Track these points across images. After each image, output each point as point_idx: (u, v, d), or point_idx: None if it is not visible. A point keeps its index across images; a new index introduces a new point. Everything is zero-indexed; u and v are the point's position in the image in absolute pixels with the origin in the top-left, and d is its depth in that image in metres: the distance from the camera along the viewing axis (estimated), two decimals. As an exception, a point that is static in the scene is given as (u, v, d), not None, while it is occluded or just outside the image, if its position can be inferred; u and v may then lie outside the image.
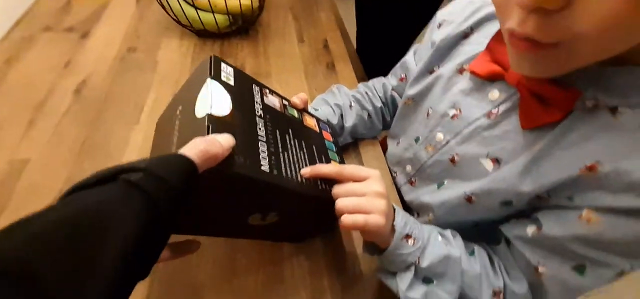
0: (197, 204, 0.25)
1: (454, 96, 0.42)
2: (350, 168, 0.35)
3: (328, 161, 0.39)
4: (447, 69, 0.44)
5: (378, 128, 0.59)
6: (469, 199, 0.39)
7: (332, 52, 0.74)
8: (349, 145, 0.56)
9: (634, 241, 0.28)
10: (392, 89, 0.58)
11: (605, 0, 0.21)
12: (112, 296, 0.17)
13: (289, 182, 0.30)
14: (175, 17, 0.69)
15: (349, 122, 0.53)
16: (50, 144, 0.52)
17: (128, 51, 0.69)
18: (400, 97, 0.55)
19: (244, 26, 0.74)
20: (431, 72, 0.47)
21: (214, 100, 0.28)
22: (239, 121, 0.29)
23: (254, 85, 0.35)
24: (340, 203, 0.33)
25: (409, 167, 0.50)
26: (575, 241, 0.31)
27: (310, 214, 0.38)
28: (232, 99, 0.30)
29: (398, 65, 0.57)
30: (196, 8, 0.66)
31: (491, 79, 0.38)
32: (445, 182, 0.43)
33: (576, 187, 0.31)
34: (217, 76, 0.31)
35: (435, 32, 0.48)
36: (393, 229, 0.35)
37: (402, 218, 0.35)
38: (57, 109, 0.57)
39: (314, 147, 0.38)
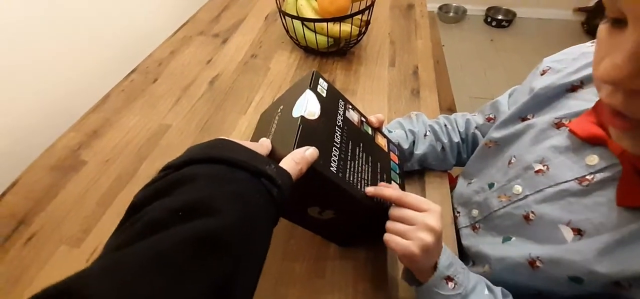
0: None
1: (544, 150, 0.39)
2: (412, 197, 0.36)
3: (389, 179, 0.42)
4: (542, 120, 0.41)
5: (450, 163, 0.58)
6: (532, 263, 0.36)
7: (420, 79, 0.75)
8: (415, 173, 0.58)
9: None
10: (476, 127, 0.57)
11: None
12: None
13: (350, 186, 0.35)
14: (289, 34, 0.83)
15: (419, 150, 0.54)
16: (186, 118, 0.71)
17: (251, 57, 0.86)
18: (483, 136, 0.53)
19: (343, 48, 0.82)
20: (524, 119, 0.44)
21: (309, 106, 0.35)
22: (322, 126, 0.36)
23: (340, 100, 0.42)
24: (389, 224, 0.36)
25: (475, 212, 0.48)
26: None
27: (362, 222, 0.42)
28: (322, 108, 0.37)
29: (489, 103, 0.56)
30: (303, 29, 0.78)
31: (592, 142, 0.35)
32: (513, 238, 0.41)
33: None
34: (314, 88, 0.38)
35: (538, 78, 0.45)
36: (435, 267, 0.35)
37: (447, 259, 0.36)
38: (196, 93, 0.77)
39: (378, 163, 0.42)
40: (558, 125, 0.39)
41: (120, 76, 0.80)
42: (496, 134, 0.47)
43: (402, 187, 0.44)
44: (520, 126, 0.44)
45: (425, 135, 0.55)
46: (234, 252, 0.20)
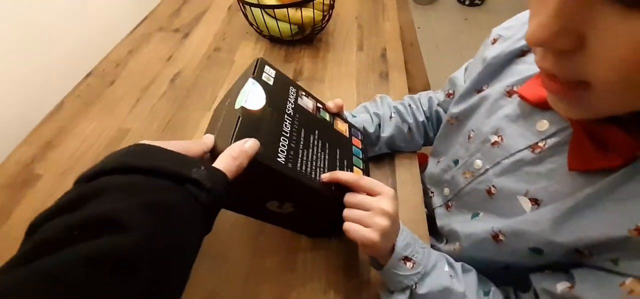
0: None
1: (498, 120, 0.39)
2: (366, 180, 0.37)
3: (351, 166, 0.41)
4: (495, 89, 0.41)
5: (418, 143, 0.57)
6: (495, 236, 0.36)
7: (388, 62, 0.74)
8: (385, 156, 0.57)
9: None
10: (438, 105, 0.56)
11: (616, 47, 0.19)
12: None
13: (303, 176, 0.34)
14: (252, 24, 0.80)
15: (386, 133, 0.53)
16: (146, 120, 0.67)
17: (214, 51, 0.83)
18: (446, 113, 0.53)
19: (309, 35, 0.80)
20: (479, 91, 0.44)
21: (250, 96, 0.33)
22: (268, 116, 0.34)
23: (291, 87, 0.40)
24: (346, 211, 0.36)
25: (446, 191, 0.48)
26: None
27: (322, 212, 0.41)
28: (267, 97, 0.35)
29: (448, 79, 0.55)
30: (264, 16, 0.75)
31: (542, 107, 0.34)
32: (481, 214, 0.40)
33: (624, 250, 0.27)
34: (258, 76, 0.36)
35: (489, 48, 0.45)
36: (393, 249, 0.35)
37: (404, 240, 0.36)
38: (157, 92, 0.73)
39: (338, 150, 0.40)
40: (510, 93, 0.39)
41: (75, 80, 0.76)
42: (455, 109, 0.47)
43: (366, 173, 0.43)
44: (476, 98, 0.44)
45: (390, 117, 0.54)
46: (144, 270, 0.18)
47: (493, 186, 0.38)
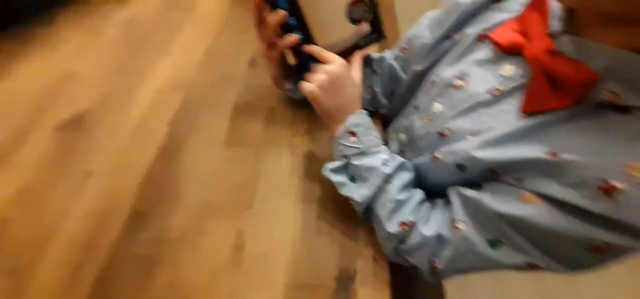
0: None
1: (465, 65, 0.38)
2: (324, 52, 0.40)
3: None
4: (468, 34, 0.40)
5: (383, 103, 0.54)
6: (435, 158, 0.37)
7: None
8: None
9: (559, 236, 0.27)
10: (394, 59, 0.52)
11: None
12: None
13: None
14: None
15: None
16: (99, 64, 0.62)
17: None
18: (402, 68, 0.51)
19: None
20: (448, 37, 0.43)
21: None
22: None
23: None
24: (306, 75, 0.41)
25: (403, 136, 0.47)
26: (504, 219, 0.30)
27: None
28: None
29: (404, 37, 0.52)
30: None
31: (511, 51, 0.34)
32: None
33: (531, 170, 0.29)
34: None
35: None
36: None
37: (357, 119, 0.39)
38: (108, 35, 0.67)
39: None
40: (482, 37, 0.38)
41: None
42: (425, 61, 0.45)
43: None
44: (446, 44, 0.42)
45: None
46: None
47: (448, 128, 0.37)
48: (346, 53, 0.43)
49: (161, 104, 0.56)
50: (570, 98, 0.28)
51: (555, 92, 0.28)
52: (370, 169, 0.37)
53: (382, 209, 0.37)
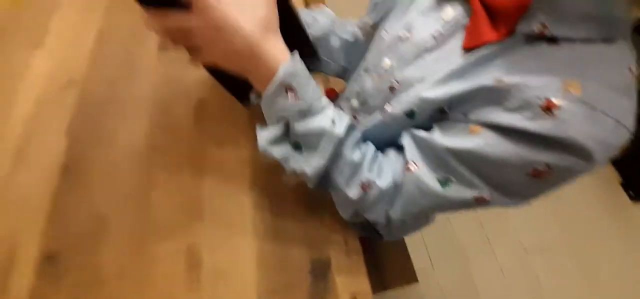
0: None
1: (410, 16, 0.38)
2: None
3: None
4: None
5: (340, 65, 0.52)
6: (384, 111, 0.37)
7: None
8: None
9: (503, 163, 0.28)
10: (359, 27, 0.51)
11: None
12: None
13: None
14: None
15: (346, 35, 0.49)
16: None
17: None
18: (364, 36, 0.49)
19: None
20: None
21: None
22: None
23: None
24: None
25: (354, 102, 0.45)
26: (453, 154, 0.31)
27: None
28: None
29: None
30: None
31: None
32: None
33: (475, 101, 0.30)
34: None
35: None
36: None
37: (290, 67, 0.30)
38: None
39: None
40: None
41: None
42: (372, 16, 0.45)
43: None
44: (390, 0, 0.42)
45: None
46: None
47: (397, 80, 0.37)
48: None
49: (50, 112, 0.44)
50: (505, 27, 0.29)
51: (493, 24, 0.30)
52: (319, 133, 0.31)
53: (339, 176, 0.33)
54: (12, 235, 0.36)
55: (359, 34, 0.51)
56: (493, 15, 0.30)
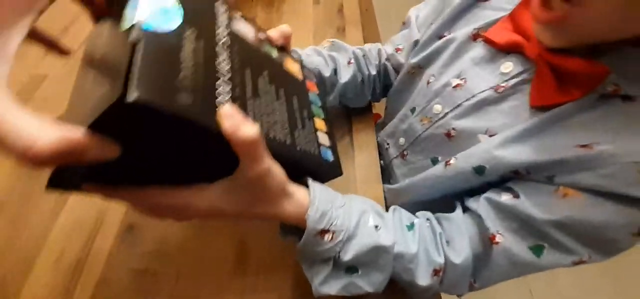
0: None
1: (462, 64, 0.38)
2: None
3: (310, 116, 0.31)
4: (460, 34, 0.40)
5: (366, 97, 0.52)
6: (448, 164, 0.36)
7: (345, 17, 0.72)
8: (339, 115, 0.55)
9: (606, 226, 0.28)
10: (387, 59, 0.53)
11: None
12: None
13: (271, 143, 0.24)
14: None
15: (343, 79, 0.45)
16: (68, 64, 0.57)
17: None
18: (394, 68, 0.51)
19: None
20: (440, 37, 0.43)
21: (148, 8, 0.19)
22: (191, 45, 0.21)
23: (218, 3, 0.27)
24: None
25: (402, 140, 0.47)
26: (549, 223, 0.29)
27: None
28: (184, 12, 0.22)
29: (399, 34, 0.53)
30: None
31: (509, 50, 0.35)
32: (440, 158, 0.40)
33: (562, 166, 0.29)
34: None
35: None
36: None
37: (317, 210, 0.27)
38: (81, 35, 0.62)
39: (295, 98, 0.30)
40: (475, 37, 0.38)
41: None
42: (416, 58, 0.45)
43: (330, 123, 0.34)
44: (439, 43, 0.42)
45: (348, 62, 0.48)
46: None
47: (453, 128, 0.37)
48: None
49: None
50: (580, 91, 0.29)
51: (562, 85, 0.30)
52: (369, 250, 0.29)
53: (405, 275, 0.31)
54: (103, 203, 0.44)
55: (383, 62, 0.52)
56: (562, 77, 0.30)
